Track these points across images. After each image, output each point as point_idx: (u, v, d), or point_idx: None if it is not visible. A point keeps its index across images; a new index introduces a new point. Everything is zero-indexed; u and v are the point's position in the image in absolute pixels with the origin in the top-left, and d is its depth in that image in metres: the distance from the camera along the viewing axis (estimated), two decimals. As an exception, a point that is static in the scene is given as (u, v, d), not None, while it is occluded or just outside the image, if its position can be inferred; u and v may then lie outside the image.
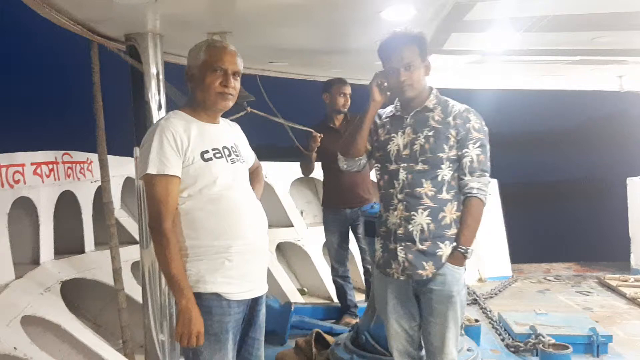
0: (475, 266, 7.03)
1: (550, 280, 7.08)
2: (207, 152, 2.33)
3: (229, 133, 2.52)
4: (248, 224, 2.38)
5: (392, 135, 2.80)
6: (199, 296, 2.27)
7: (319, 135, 4.53)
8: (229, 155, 2.41)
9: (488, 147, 2.70)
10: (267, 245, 2.52)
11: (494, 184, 7.30)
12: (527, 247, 7.45)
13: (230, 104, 2.43)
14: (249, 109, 2.90)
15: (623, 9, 3.56)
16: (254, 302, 2.45)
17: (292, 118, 4.78)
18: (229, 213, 2.33)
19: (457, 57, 4.87)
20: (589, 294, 6.37)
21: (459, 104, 2.74)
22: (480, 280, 7.09)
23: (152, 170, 2.23)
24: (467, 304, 5.04)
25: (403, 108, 2.81)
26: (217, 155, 2.36)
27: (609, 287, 6.50)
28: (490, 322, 5.12)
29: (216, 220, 2.31)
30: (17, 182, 4.15)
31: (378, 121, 2.90)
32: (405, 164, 2.72)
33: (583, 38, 4.33)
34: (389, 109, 2.90)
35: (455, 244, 2.69)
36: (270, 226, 2.54)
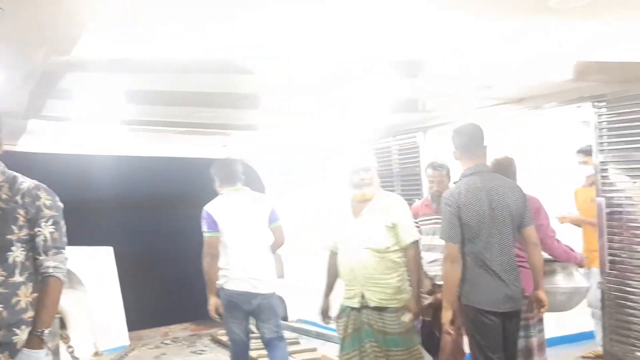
0: (89, 340, 6.57)
1: (167, 344, 7.13)
2: None
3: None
4: None
5: None
6: None
7: None
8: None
9: (62, 223, 2.63)
10: None
11: (109, 252, 7.08)
12: (144, 312, 7.35)
13: None
14: None
15: (215, 89, 3.92)
16: None
17: None
18: None
19: (59, 124, 4.62)
20: (203, 353, 6.62)
21: (28, 181, 2.60)
22: (96, 354, 6.65)
23: None
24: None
25: None
26: None
27: (220, 343, 6.87)
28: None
29: None
30: None
31: None
32: None
33: (183, 112, 4.60)
34: None
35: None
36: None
